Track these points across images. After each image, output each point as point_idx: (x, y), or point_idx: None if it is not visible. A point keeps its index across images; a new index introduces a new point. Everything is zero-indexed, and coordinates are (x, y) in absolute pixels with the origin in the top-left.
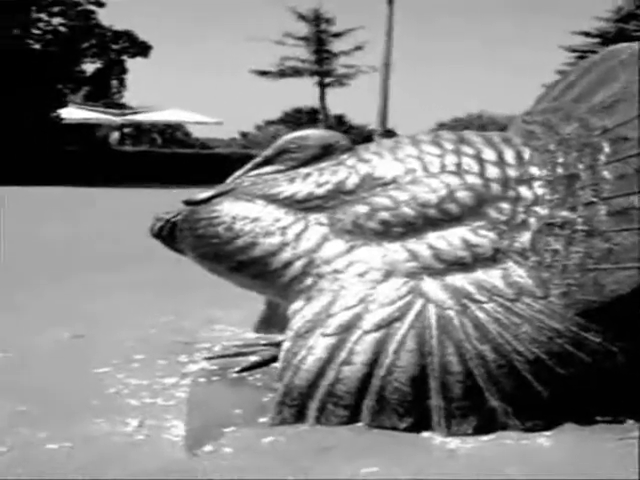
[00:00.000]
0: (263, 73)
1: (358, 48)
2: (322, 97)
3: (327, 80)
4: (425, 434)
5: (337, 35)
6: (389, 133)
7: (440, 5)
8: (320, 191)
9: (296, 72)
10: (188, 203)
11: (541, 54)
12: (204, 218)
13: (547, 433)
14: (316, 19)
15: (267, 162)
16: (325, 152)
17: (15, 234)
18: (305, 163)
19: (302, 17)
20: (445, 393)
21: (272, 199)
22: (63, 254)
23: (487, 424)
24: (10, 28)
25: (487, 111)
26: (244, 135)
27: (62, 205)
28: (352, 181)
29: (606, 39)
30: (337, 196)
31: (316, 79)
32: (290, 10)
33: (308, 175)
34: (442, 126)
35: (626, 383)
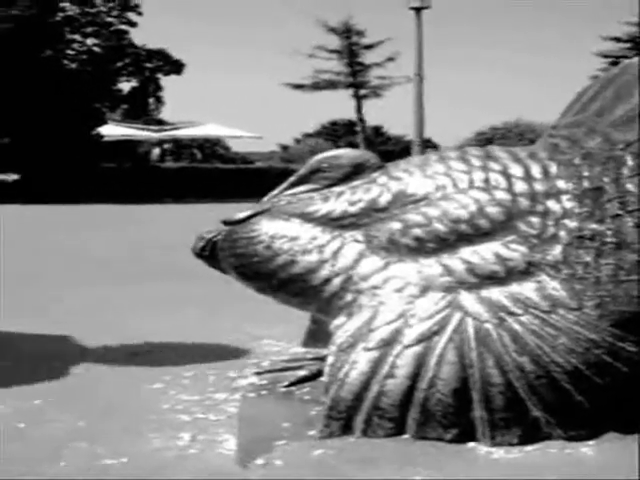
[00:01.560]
0: (298, 86)
1: (390, 59)
2: (358, 109)
3: (362, 92)
4: (470, 444)
5: (368, 47)
6: (427, 143)
7: (472, 13)
8: (354, 209)
9: (331, 84)
10: (227, 223)
11: (575, 60)
12: (243, 237)
13: (590, 442)
14: (346, 32)
15: (301, 181)
16: (356, 171)
17: (59, 250)
18: (338, 182)
19: (332, 30)
20: (488, 404)
21: (308, 218)
22: (107, 269)
23: (531, 434)
24: (42, 49)
25: (523, 119)
26: (284, 148)
27: (106, 221)
28: (384, 199)
29: (636, 43)
30: (370, 213)
31: (351, 91)
32: (320, 23)
33: (341, 194)
34: (481, 135)
35: None
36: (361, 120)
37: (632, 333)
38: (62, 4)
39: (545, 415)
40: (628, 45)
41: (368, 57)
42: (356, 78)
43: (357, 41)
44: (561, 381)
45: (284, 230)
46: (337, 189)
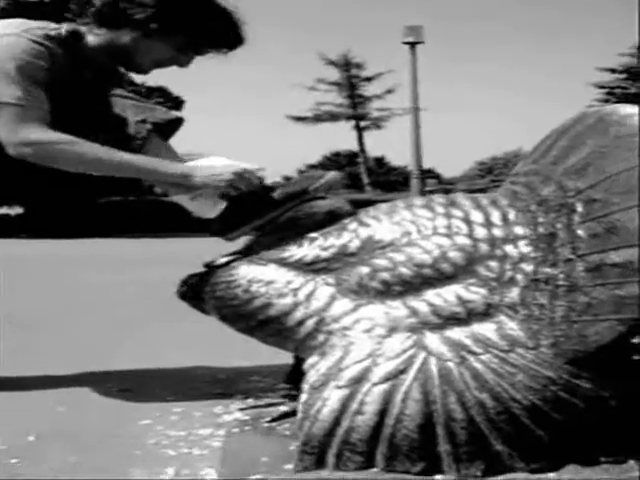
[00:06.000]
0: (299, 119)
1: (389, 91)
2: (360, 140)
3: (363, 123)
4: (437, 477)
5: (368, 79)
6: (428, 174)
7: (468, 48)
8: (326, 254)
9: (332, 117)
10: (209, 267)
11: (574, 90)
12: (223, 281)
13: (551, 474)
14: (346, 65)
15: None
16: (330, 218)
17: (60, 289)
18: (313, 229)
19: (332, 63)
20: (451, 439)
21: (283, 262)
22: (107, 308)
23: (494, 467)
24: None
25: (524, 149)
26: (287, 179)
27: (106, 257)
28: (354, 244)
29: (631, 74)
30: (341, 258)
31: (352, 123)
32: (320, 56)
33: (314, 239)
34: (482, 164)
35: (623, 425)
36: (363, 151)
37: (586, 371)
38: None
39: (507, 449)
40: (623, 76)
41: (368, 89)
42: (356, 110)
43: (357, 74)
44: (521, 416)
45: (261, 274)
46: (311, 235)
